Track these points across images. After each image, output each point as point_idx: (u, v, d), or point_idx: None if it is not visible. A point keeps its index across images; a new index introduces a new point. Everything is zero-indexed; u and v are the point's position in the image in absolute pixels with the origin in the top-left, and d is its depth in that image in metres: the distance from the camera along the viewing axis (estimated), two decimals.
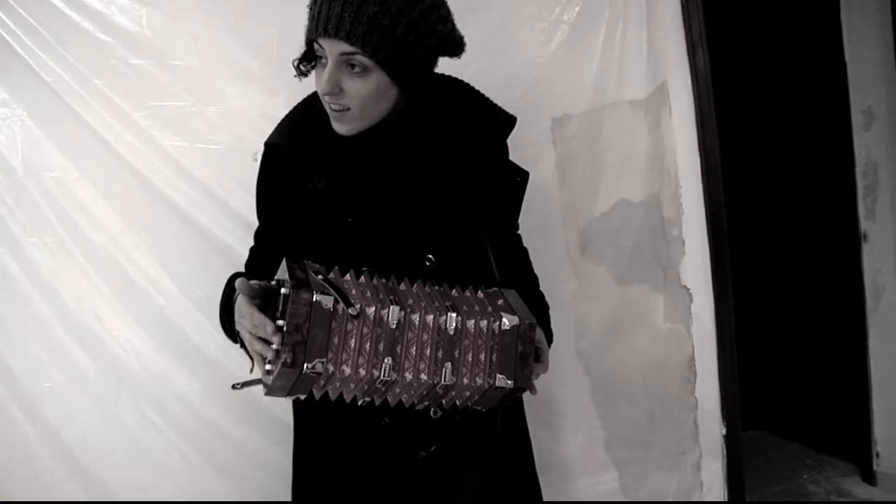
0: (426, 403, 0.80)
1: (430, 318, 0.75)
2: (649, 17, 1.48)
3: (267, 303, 0.75)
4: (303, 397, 0.77)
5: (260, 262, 0.93)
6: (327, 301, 0.70)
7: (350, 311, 0.71)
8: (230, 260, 1.13)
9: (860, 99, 1.98)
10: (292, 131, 0.91)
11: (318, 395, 0.76)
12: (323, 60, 0.79)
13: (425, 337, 0.75)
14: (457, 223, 0.88)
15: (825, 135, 2.09)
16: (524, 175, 0.95)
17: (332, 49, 0.77)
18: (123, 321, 1.21)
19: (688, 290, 1.58)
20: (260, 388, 0.79)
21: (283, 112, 0.95)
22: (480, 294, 0.81)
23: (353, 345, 0.72)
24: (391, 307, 0.74)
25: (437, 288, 0.80)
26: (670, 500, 1.57)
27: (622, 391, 1.57)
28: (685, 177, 1.58)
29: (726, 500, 1.59)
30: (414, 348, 0.74)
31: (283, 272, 0.75)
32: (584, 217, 1.53)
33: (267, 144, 0.91)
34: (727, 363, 1.59)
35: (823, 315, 2.21)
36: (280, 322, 0.69)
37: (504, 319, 0.77)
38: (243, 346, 0.78)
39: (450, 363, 0.75)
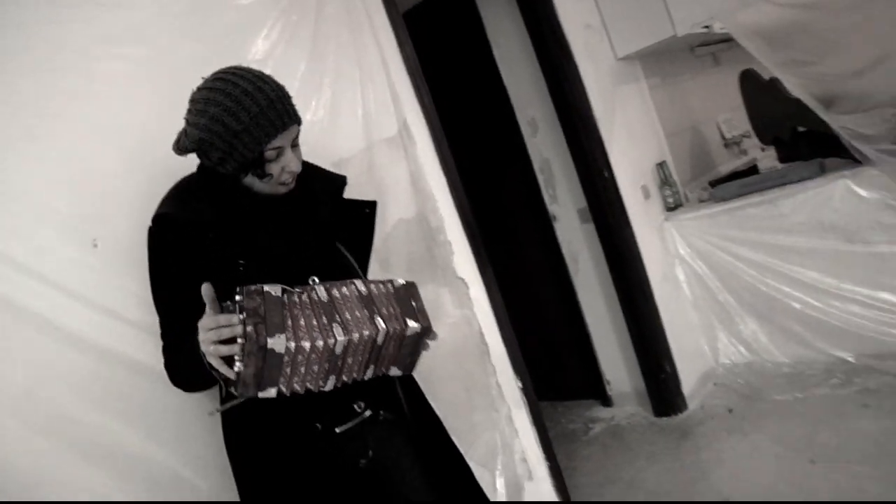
0: (370, 371, 1.46)
1: (346, 289, 1.42)
2: (387, 77, 2.50)
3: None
4: (273, 391, 1.27)
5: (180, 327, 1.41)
6: (276, 289, 1.26)
7: (298, 292, 1.30)
8: None
9: (525, 113, 3.39)
10: (180, 204, 1.46)
11: (286, 389, 1.30)
12: (272, 154, 1.45)
13: (349, 304, 1.41)
14: (329, 251, 1.67)
15: (509, 144, 3.46)
16: (372, 205, 1.80)
17: (289, 136, 1.48)
18: None
19: (463, 280, 2.63)
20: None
21: None
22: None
23: (302, 323, 1.28)
24: (317, 287, 1.36)
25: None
26: (498, 451, 2.57)
27: (440, 375, 2.51)
28: (438, 191, 2.63)
29: (538, 439, 2.67)
30: (347, 313, 1.38)
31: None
32: (378, 237, 2.44)
33: (157, 217, 1.45)
34: (506, 331, 2.69)
35: (545, 286, 3.56)
36: (241, 316, 1.22)
37: (399, 280, 1.53)
38: (212, 369, 1.28)
39: (377, 316, 1.42)
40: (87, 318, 1.62)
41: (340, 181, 1.74)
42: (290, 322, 1.27)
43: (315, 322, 1.30)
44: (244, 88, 1.40)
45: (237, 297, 1.25)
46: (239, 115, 1.38)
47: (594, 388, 3.66)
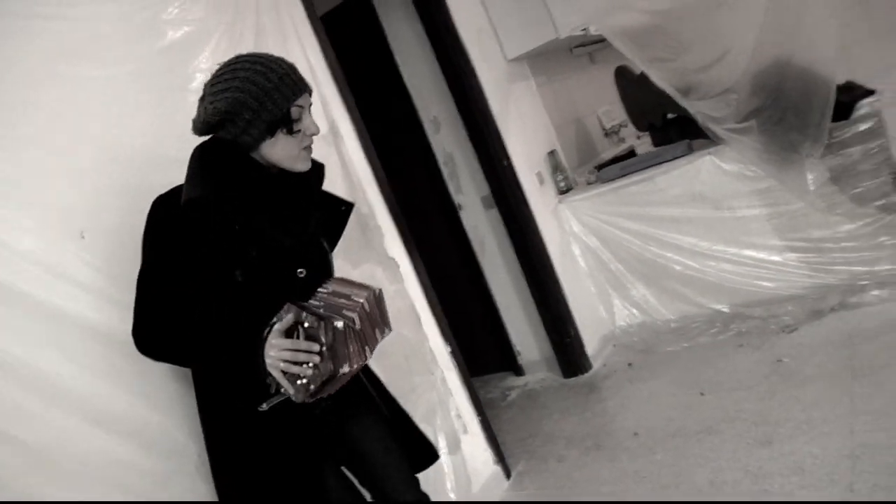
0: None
1: (354, 313, 1.68)
2: (315, 81, 2.93)
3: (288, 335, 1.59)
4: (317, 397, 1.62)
5: (170, 300, 1.63)
6: (339, 323, 1.55)
7: (353, 326, 1.57)
8: None
9: (427, 113, 3.91)
10: (216, 186, 1.64)
11: (331, 391, 1.63)
12: (297, 112, 1.66)
13: (366, 324, 1.63)
14: (318, 242, 1.99)
15: (414, 141, 3.96)
16: (349, 205, 2.10)
17: (306, 100, 1.70)
18: None
19: (394, 259, 3.09)
20: None
21: None
22: (337, 285, 1.83)
23: (352, 350, 1.57)
24: (353, 314, 1.59)
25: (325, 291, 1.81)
26: (436, 409, 3.05)
27: (383, 344, 2.95)
28: (366, 183, 3.09)
29: (468, 397, 3.17)
30: (368, 334, 1.70)
31: (285, 312, 1.59)
32: None
33: (191, 200, 1.62)
34: (433, 302, 3.18)
35: (456, 271, 4.08)
36: (320, 348, 1.55)
37: (375, 289, 1.79)
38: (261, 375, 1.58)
39: (377, 329, 1.73)
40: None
41: (322, 172, 1.91)
42: (348, 350, 1.59)
43: (355, 348, 1.60)
44: (265, 60, 1.67)
45: (306, 325, 1.58)
46: (268, 75, 1.62)
47: (507, 361, 4.21)
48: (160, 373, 2.01)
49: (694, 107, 3.41)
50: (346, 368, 1.57)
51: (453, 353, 3.20)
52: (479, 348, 4.26)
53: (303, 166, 1.76)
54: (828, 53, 3.06)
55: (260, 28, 2.78)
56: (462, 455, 3.06)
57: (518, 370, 4.20)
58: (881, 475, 2.24)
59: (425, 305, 3.17)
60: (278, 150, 1.69)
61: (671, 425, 3.08)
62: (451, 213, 4.11)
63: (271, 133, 1.67)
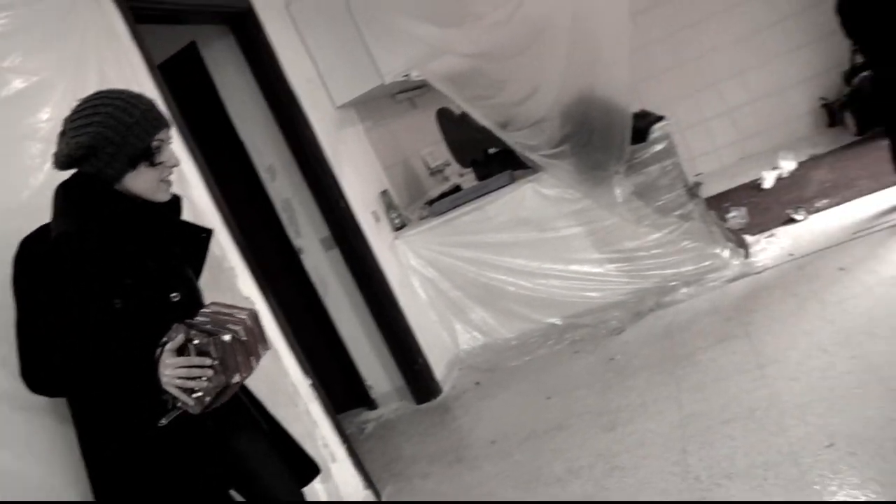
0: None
1: (239, 327, 1.88)
2: None
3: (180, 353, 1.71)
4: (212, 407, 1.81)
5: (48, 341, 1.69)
6: (227, 336, 1.70)
7: (240, 338, 1.82)
8: None
9: (263, 161, 4.09)
10: (85, 219, 1.74)
11: (224, 400, 1.84)
12: (158, 144, 1.83)
13: (252, 337, 1.86)
14: (184, 269, 2.20)
15: (251, 189, 4.11)
16: (209, 231, 2.28)
17: (166, 134, 1.84)
18: None
19: (249, 299, 3.23)
20: None
21: None
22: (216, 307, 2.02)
23: (241, 360, 1.73)
24: (238, 328, 1.86)
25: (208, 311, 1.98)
26: (304, 440, 3.18)
27: (247, 383, 3.08)
28: (216, 226, 3.22)
29: (333, 427, 3.33)
30: (252, 346, 1.88)
31: (175, 332, 1.70)
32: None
33: (62, 235, 1.71)
34: (290, 338, 3.33)
35: (301, 314, 4.23)
36: (211, 361, 1.68)
37: (252, 309, 1.99)
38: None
39: (259, 343, 1.90)
40: None
41: (179, 201, 2.05)
42: (237, 361, 1.74)
43: (243, 359, 1.76)
44: (126, 96, 1.79)
45: (195, 342, 1.71)
46: (130, 111, 1.74)
47: (359, 396, 4.39)
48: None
49: (512, 138, 3.85)
50: (237, 378, 1.73)
51: (314, 386, 3.35)
52: (331, 387, 4.40)
53: (163, 196, 1.89)
54: (622, 86, 3.61)
55: (104, 78, 2.87)
56: (334, 482, 3.21)
57: (371, 404, 4.39)
58: (705, 436, 2.68)
59: (283, 342, 3.32)
60: (140, 182, 1.80)
61: (524, 429, 3.41)
62: (291, 257, 4.27)
63: (133, 166, 1.78)
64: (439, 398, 4.18)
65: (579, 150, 3.70)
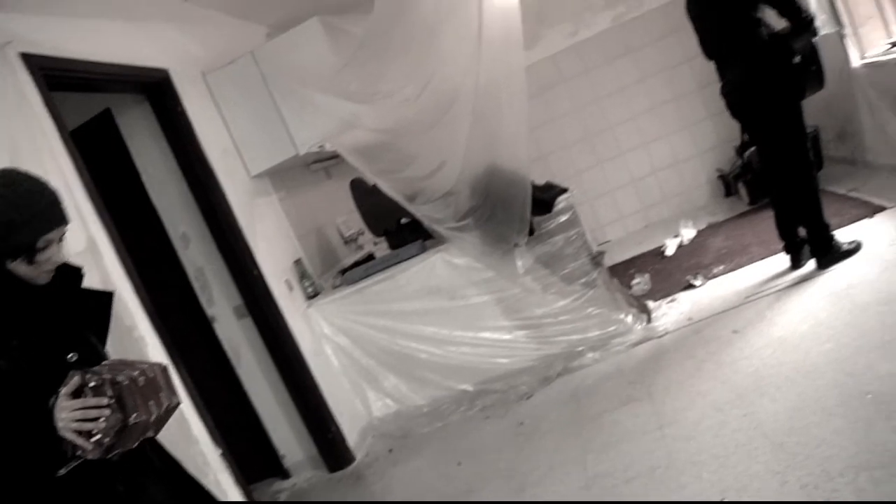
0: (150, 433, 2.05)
1: (136, 372, 1.93)
2: (72, 198, 3.07)
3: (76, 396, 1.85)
4: (116, 454, 1.80)
5: None
6: (124, 378, 1.74)
7: (141, 381, 1.89)
8: None
9: (176, 229, 4.12)
10: None
11: (132, 445, 1.88)
12: (43, 244, 1.89)
13: (153, 384, 1.95)
14: (84, 332, 2.30)
15: (163, 257, 4.12)
16: (110, 295, 2.35)
17: (59, 232, 1.97)
18: None
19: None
20: None
21: None
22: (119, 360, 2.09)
23: (139, 402, 1.76)
24: (135, 372, 1.92)
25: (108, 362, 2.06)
26: None
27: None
28: (126, 295, 3.24)
29: (244, 497, 3.32)
30: (154, 391, 1.95)
31: (70, 378, 1.71)
32: None
33: None
34: (199, 407, 3.34)
35: (212, 383, 4.22)
36: (107, 401, 1.69)
37: (160, 364, 2.10)
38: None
39: (162, 393, 1.98)
40: None
41: (80, 272, 2.15)
42: (135, 401, 1.77)
43: (142, 400, 1.79)
44: (28, 189, 1.81)
45: (91, 384, 1.72)
46: (21, 210, 1.76)
47: (272, 466, 4.37)
48: None
49: (420, 211, 4.01)
50: (135, 418, 1.74)
51: (224, 456, 3.35)
52: (243, 456, 4.37)
53: (43, 280, 1.89)
54: (522, 161, 3.82)
55: (15, 145, 2.90)
56: None
57: (284, 473, 4.37)
58: (609, 495, 2.82)
59: (193, 410, 3.32)
60: (18, 269, 1.82)
61: (435, 494, 3.48)
62: (204, 325, 4.27)
63: (13, 258, 1.80)
64: (352, 466, 4.20)
65: (483, 223, 3.88)
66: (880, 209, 4.59)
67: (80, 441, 1.71)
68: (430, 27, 3.30)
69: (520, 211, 3.80)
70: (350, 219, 5.38)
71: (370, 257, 4.64)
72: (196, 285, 4.26)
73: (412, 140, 4.07)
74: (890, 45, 5.00)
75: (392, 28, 3.29)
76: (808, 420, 2.72)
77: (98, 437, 1.72)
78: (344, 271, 4.52)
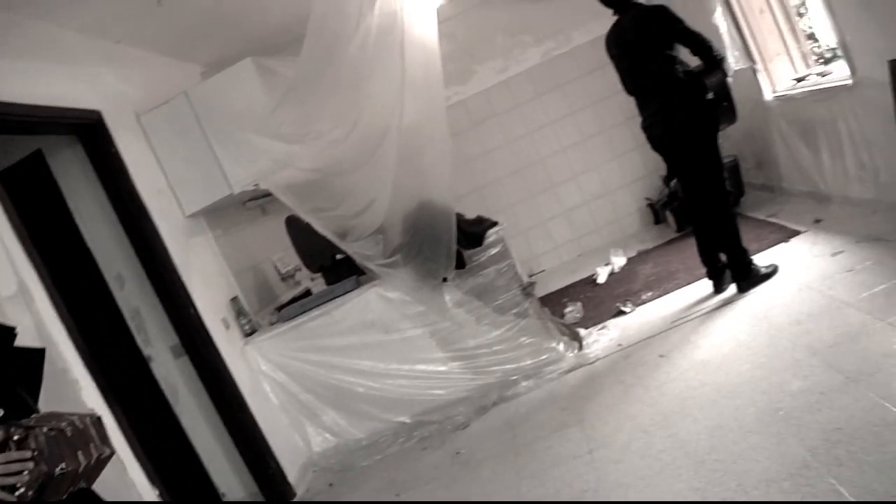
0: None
1: (64, 423, 1.96)
2: (4, 246, 3.07)
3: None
4: None
5: None
6: (52, 431, 1.72)
7: (69, 432, 1.91)
8: None
9: (111, 270, 4.12)
10: None
11: (60, 496, 1.87)
12: None
13: (85, 435, 1.95)
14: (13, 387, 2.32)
15: (98, 298, 4.12)
16: (39, 351, 2.36)
17: None
18: None
19: (93, 410, 3.23)
20: None
21: None
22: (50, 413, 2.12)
23: (66, 452, 1.89)
24: (62, 423, 1.93)
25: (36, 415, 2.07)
26: None
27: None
28: (59, 338, 3.23)
29: None
30: (82, 442, 1.95)
31: None
32: None
33: None
34: (136, 448, 3.34)
35: (149, 423, 4.20)
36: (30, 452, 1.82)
37: (93, 414, 2.14)
38: None
39: (92, 444, 1.96)
40: None
41: (13, 332, 2.15)
42: (61, 451, 1.78)
43: (69, 451, 1.79)
44: None
45: (15, 437, 1.73)
46: None
47: None
48: None
49: (351, 248, 4.10)
50: (61, 470, 1.74)
51: (161, 496, 3.35)
52: (183, 496, 4.35)
53: None
54: (448, 197, 3.95)
55: None
56: None
57: None
58: None
59: (129, 452, 3.32)
60: None
61: None
62: (141, 365, 4.26)
63: None
64: (293, 501, 4.21)
65: (411, 259, 4.00)
66: (795, 233, 4.84)
67: (1, 495, 1.72)
68: (356, 70, 3.42)
69: (446, 246, 3.93)
70: (287, 255, 5.42)
71: (307, 293, 4.70)
72: (132, 325, 4.25)
73: (342, 179, 4.16)
74: (796, 81, 5.30)
75: (320, 71, 3.39)
76: (726, 438, 2.87)
77: (21, 490, 1.72)
78: (280, 308, 4.56)
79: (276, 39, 5.35)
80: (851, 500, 2.21)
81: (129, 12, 4.14)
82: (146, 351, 4.27)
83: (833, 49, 4.66)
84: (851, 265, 3.91)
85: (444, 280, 4.08)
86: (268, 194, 5.20)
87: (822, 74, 4.93)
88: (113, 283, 4.22)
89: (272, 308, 4.79)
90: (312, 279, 5.22)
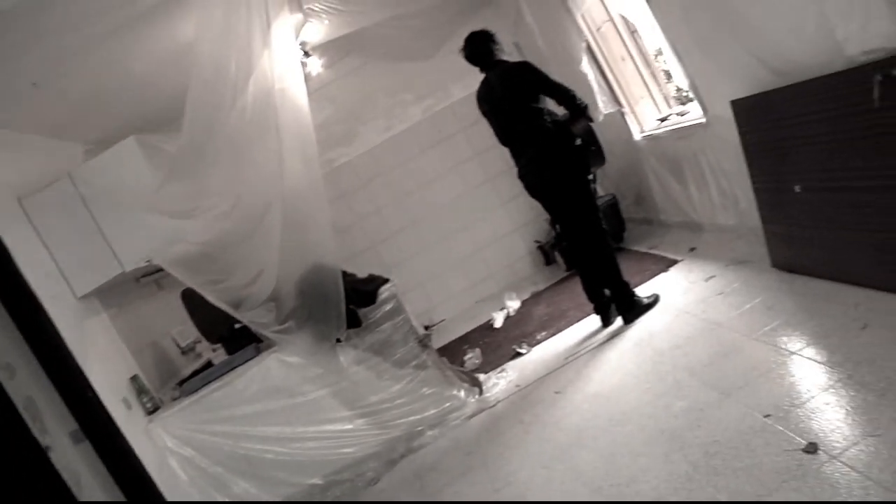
0: None
1: None
2: None
3: None
4: None
5: None
6: None
7: None
8: None
9: (1, 358, 4.03)
10: None
11: None
12: None
13: None
14: None
15: None
16: None
17: None
18: None
19: None
20: None
21: None
22: None
23: None
24: None
25: None
26: None
27: None
28: None
29: None
30: None
31: None
32: None
33: None
34: None
35: None
36: None
37: None
38: None
39: None
40: None
41: None
42: None
43: None
44: None
45: None
46: None
47: None
48: None
49: (245, 317, 4.15)
50: None
51: None
52: None
53: None
54: (332, 260, 4.07)
55: None
56: None
57: None
58: None
59: None
60: None
61: None
62: (39, 456, 4.14)
63: None
64: None
65: (303, 323, 4.08)
66: (673, 262, 5.18)
67: None
68: (236, 144, 3.53)
69: (335, 308, 4.04)
70: (185, 328, 5.38)
71: (209, 364, 4.68)
72: (26, 415, 4.14)
73: (231, 251, 4.22)
74: (660, 121, 5.71)
75: (201, 147, 3.47)
76: (619, 463, 3.06)
77: None
78: (182, 382, 4.54)
79: (158, 116, 5.38)
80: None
81: (4, 95, 4.12)
82: (43, 441, 4.16)
83: (687, 91, 5.06)
84: (722, 288, 4.23)
85: (339, 341, 4.18)
86: (162, 269, 5.20)
87: (681, 114, 5.34)
88: (2, 373, 4.11)
89: (174, 383, 4.74)
90: (213, 350, 5.19)
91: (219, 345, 4.82)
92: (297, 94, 3.64)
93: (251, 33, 3.21)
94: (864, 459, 2.30)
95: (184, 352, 5.42)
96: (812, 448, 2.47)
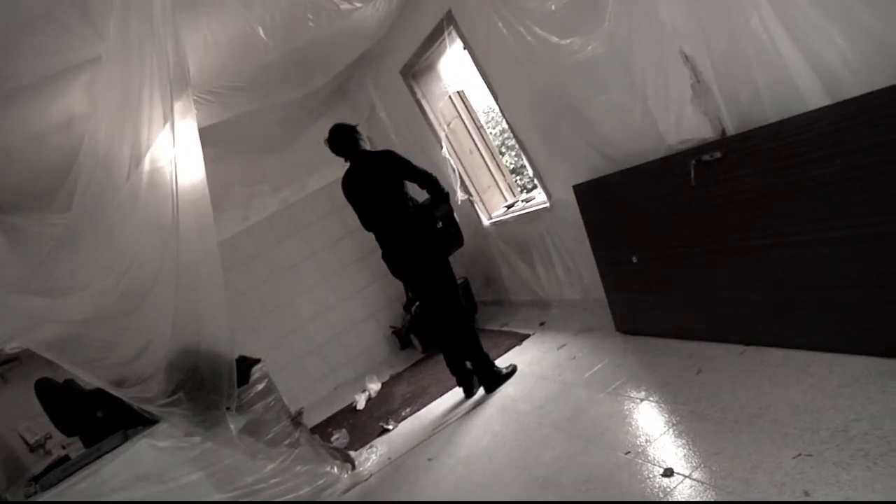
0: None
1: None
2: None
3: None
4: None
5: None
6: None
7: None
8: None
9: None
10: None
11: None
12: None
13: None
14: None
15: None
16: None
17: None
18: None
19: None
20: None
21: None
22: None
23: None
24: None
25: None
26: None
27: None
28: None
29: None
30: None
31: None
32: None
33: None
34: None
35: None
36: None
37: None
38: None
39: None
40: None
41: None
42: None
43: None
44: None
45: None
46: None
47: None
48: None
49: (127, 394, 4.08)
50: None
51: None
52: None
53: None
54: (224, 331, 4.13)
55: None
56: None
57: None
58: None
59: None
60: None
61: None
62: None
63: None
64: None
65: (193, 393, 4.06)
66: (526, 336, 5.57)
67: None
68: (128, 220, 3.57)
69: (227, 375, 4.06)
70: (34, 423, 5.15)
71: (66, 458, 4.53)
72: None
73: (113, 327, 4.15)
74: (507, 207, 6.22)
75: (91, 223, 3.49)
76: None
77: None
78: (36, 478, 4.35)
79: (17, 197, 5.24)
80: None
81: None
82: None
83: (532, 178, 5.59)
84: (574, 354, 4.63)
85: (228, 409, 4.19)
86: (9, 360, 5.01)
87: (527, 200, 5.86)
88: None
89: (25, 481, 4.53)
90: (64, 446, 5.00)
91: (73, 439, 4.67)
92: (194, 169, 3.73)
93: (152, 110, 3.32)
94: (712, 473, 2.68)
95: (32, 449, 5.16)
96: (669, 472, 2.82)
